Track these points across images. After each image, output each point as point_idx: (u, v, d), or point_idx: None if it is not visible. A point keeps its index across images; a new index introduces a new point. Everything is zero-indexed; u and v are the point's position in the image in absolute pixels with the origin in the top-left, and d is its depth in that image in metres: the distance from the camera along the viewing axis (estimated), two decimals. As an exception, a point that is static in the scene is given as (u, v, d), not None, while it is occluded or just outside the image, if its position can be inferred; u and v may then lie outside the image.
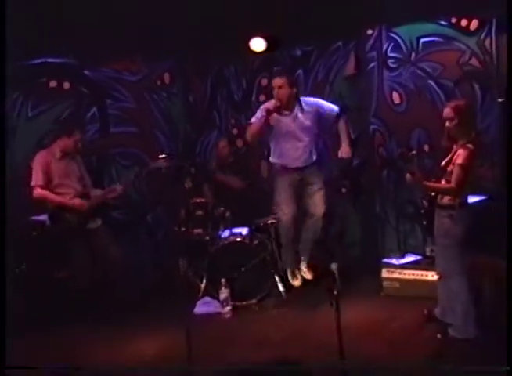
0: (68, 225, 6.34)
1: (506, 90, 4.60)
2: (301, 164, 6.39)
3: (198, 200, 7.08)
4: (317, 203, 6.44)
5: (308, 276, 6.54)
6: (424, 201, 5.45)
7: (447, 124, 5.16)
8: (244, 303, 6.58)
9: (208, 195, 7.29)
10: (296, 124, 6.31)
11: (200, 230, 7.04)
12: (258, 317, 6.35)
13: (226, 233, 6.89)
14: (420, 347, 5.30)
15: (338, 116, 6.39)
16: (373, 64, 7.26)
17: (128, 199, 7.40)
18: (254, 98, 8.11)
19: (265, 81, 8.02)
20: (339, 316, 4.37)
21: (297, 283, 6.59)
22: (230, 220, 6.98)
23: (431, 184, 5.22)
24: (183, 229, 7.06)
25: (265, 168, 7.74)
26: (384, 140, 7.37)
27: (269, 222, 6.84)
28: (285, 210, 6.44)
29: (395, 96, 7.18)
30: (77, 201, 6.41)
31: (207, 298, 6.66)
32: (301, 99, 6.38)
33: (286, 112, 6.31)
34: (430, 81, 6.87)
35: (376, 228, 7.59)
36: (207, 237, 7.01)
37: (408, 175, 5.27)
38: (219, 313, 6.43)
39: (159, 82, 8.06)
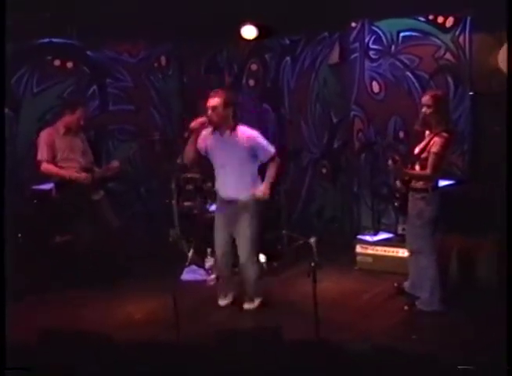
0: (74, 195, 6.33)
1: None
2: (234, 195, 5.60)
3: (189, 175, 7.07)
4: (242, 242, 5.64)
5: (246, 305, 5.77)
6: (398, 184, 5.47)
7: (424, 110, 5.19)
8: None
9: (198, 170, 7.26)
10: (229, 150, 5.50)
11: (189, 203, 7.04)
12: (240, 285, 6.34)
13: (213, 207, 6.86)
14: (389, 317, 5.35)
15: (272, 158, 5.59)
16: (355, 54, 7.22)
17: (125, 172, 7.38)
18: (244, 81, 8.07)
19: (254, 67, 8.00)
20: (315, 286, 4.40)
21: (222, 303, 5.89)
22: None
23: (410, 171, 5.25)
24: (174, 201, 7.06)
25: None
26: (363, 126, 7.35)
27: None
28: (217, 250, 5.81)
29: (375, 85, 7.15)
30: (83, 175, 6.40)
31: (194, 266, 6.67)
32: (239, 127, 5.56)
33: (220, 136, 5.54)
34: (407, 73, 6.85)
35: (353, 207, 7.61)
36: (196, 210, 7.01)
37: (390, 162, 5.31)
38: (204, 281, 6.45)
39: (156, 64, 8.00)
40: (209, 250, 6.44)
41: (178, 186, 7.09)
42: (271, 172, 5.60)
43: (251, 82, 8.05)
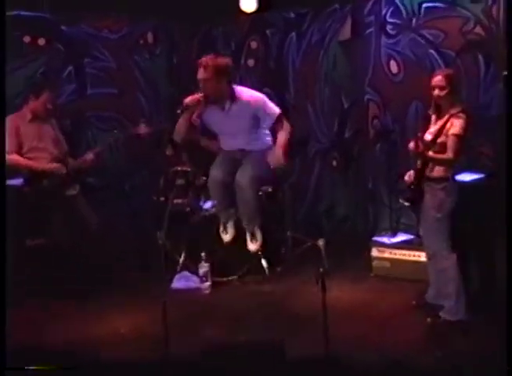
0: (45, 190, 6.30)
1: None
2: (237, 147, 6.05)
3: (179, 169, 7.04)
4: (246, 168, 6.01)
5: (251, 246, 6.25)
6: (413, 173, 5.45)
7: (436, 92, 5.22)
8: (225, 279, 6.58)
9: (190, 163, 7.24)
10: (228, 120, 5.79)
11: (180, 200, 7.01)
12: (239, 294, 6.34)
13: (208, 204, 6.86)
14: (409, 331, 5.32)
15: (278, 120, 5.85)
16: (370, 30, 7.21)
17: (105, 165, 7.35)
18: (242, 61, 8.05)
19: (254, 44, 8.02)
20: (325, 295, 4.36)
21: (226, 237, 6.35)
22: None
23: (432, 154, 5.24)
24: (162, 198, 7.04)
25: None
26: (378, 111, 7.35)
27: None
28: (211, 172, 6.20)
29: (393, 65, 7.14)
30: (55, 165, 6.38)
31: (186, 273, 6.65)
32: (236, 89, 5.78)
33: (216, 107, 5.78)
34: (430, 50, 6.82)
35: (368, 204, 7.62)
36: (188, 208, 7.00)
37: (412, 144, 5.31)
38: (198, 289, 6.43)
39: (141, 41, 7.99)
40: (203, 254, 6.42)
41: (167, 180, 7.06)
42: (280, 137, 5.78)
43: (251, 62, 8.06)
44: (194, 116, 5.74)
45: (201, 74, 5.52)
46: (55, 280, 6.20)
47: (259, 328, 5.52)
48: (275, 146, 5.78)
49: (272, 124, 5.76)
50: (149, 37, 8.04)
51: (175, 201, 7.03)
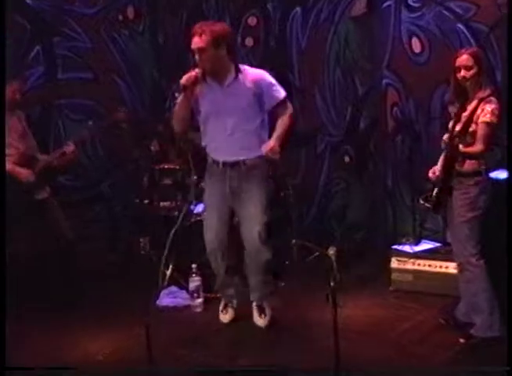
0: (11, 195, 6.25)
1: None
2: (231, 156, 5.76)
3: (166, 166, 7.09)
4: (252, 215, 5.78)
5: (259, 322, 5.99)
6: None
7: (462, 73, 5.24)
8: (219, 295, 6.56)
9: (179, 160, 7.24)
10: (228, 99, 5.69)
11: (167, 203, 7.04)
12: (236, 312, 6.26)
13: (200, 208, 6.83)
14: (436, 354, 5.31)
15: (280, 104, 5.78)
16: (388, 2, 7.21)
17: (79, 162, 7.35)
18: (239, 40, 8.05)
19: (253, 21, 8.02)
20: (336, 313, 4.35)
21: (225, 318, 6.16)
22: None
23: (467, 149, 5.22)
24: (146, 201, 7.04)
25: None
26: (399, 98, 7.35)
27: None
28: (206, 234, 5.91)
29: (415, 43, 7.13)
30: (23, 171, 6.37)
31: (174, 288, 6.66)
32: (243, 69, 5.77)
33: (215, 83, 5.70)
34: (459, 25, 6.81)
35: (386, 206, 7.61)
36: (176, 212, 7.00)
37: (446, 138, 5.32)
38: (188, 306, 6.42)
39: (121, 17, 8.00)
40: (194, 266, 6.41)
41: (151, 180, 7.08)
42: (280, 124, 5.74)
43: (249, 41, 8.08)
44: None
45: (196, 42, 5.53)
46: (21, 297, 6.17)
47: (261, 351, 5.52)
48: (273, 134, 5.72)
49: (273, 107, 5.75)
50: (130, 11, 8.07)
51: (161, 204, 7.08)
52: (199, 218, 6.70)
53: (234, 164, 5.74)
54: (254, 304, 5.98)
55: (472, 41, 6.72)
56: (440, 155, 5.51)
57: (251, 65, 6.77)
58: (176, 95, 5.71)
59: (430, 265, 6.51)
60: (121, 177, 7.85)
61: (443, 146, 5.46)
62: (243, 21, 8.07)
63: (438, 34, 6.96)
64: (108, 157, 7.82)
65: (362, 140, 7.70)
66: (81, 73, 7.80)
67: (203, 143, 5.91)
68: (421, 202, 5.64)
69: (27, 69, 7.32)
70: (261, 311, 5.92)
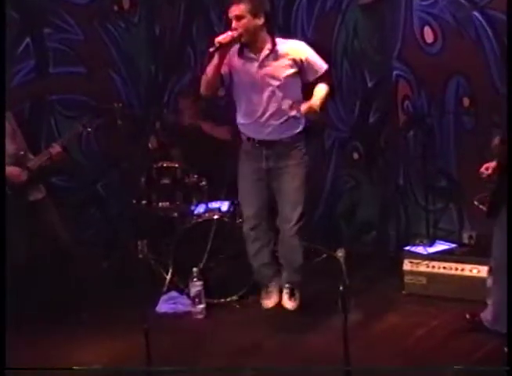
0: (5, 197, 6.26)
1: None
2: (270, 135, 5.99)
3: (165, 165, 7.06)
4: (290, 200, 6.07)
5: (288, 305, 6.28)
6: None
7: None
8: (222, 300, 6.57)
9: (178, 158, 7.24)
10: (264, 71, 5.90)
11: (166, 204, 7.03)
12: (240, 319, 6.33)
13: (201, 209, 6.88)
14: (453, 361, 5.28)
15: (325, 73, 6.00)
16: (399, -11, 7.22)
17: (73, 162, 7.34)
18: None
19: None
20: (346, 318, 4.33)
21: (269, 303, 6.37)
22: (206, 191, 6.95)
23: None
24: (144, 201, 7.04)
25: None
26: (410, 91, 7.35)
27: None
28: (244, 212, 6.23)
29: (428, 33, 7.11)
30: (14, 171, 6.35)
31: (174, 293, 6.67)
32: (279, 40, 5.99)
33: (252, 55, 5.92)
34: (475, 13, 6.78)
35: (398, 205, 7.61)
36: (175, 213, 7.03)
37: (497, 140, 5.29)
38: (189, 313, 6.42)
39: (115, 8, 7.98)
40: (195, 270, 6.40)
41: (149, 179, 7.07)
42: (320, 88, 5.90)
43: (251, 31, 8.02)
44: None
45: (234, 10, 5.78)
46: (13, 304, 6.16)
47: (266, 361, 5.50)
48: (313, 97, 5.84)
49: (314, 80, 5.93)
50: (125, 1, 8.03)
51: (160, 205, 7.05)
52: (200, 220, 6.73)
53: (271, 143, 5.95)
54: (286, 287, 6.18)
55: (488, 29, 6.70)
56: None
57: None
58: (210, 50, 5.77)
59: (444, 268, 6.50)
60: (117, 176, 7.83)
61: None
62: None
63: (452, 22, 6.94)
64: (103, 156, 7.80)
65: (372, 136, 7.70)
66: (74, 67, 7.75)
67: (237, 121, 6.13)
68: (476, 203, 5.60)
69: (17, 63, 7.29)
70: (292, 294, 6.14)
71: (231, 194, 6.88)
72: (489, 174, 5.33)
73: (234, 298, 6.59)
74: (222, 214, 6.77)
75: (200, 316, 6.36)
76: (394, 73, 7.40)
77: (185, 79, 8.27)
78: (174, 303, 6.58)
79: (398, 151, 7.54)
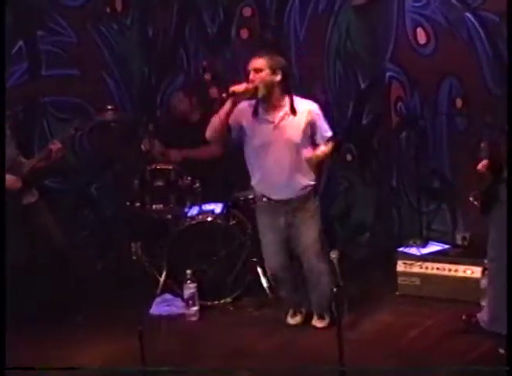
0: None
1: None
2: (286, 195, 5.96)
3: (158, 167, 7.05)
4: (309, 242, 6.01)
5: (319, 324, 6.16)
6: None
7: None
8: (216, 302, 6.59)
9: (171, 160, 7.24)
10: (280, 134, 5.85)
11: (159, 206, 7.02)
12: (234, 321, 6.34)
13: (194, 211, 6.88)
14: (446, 362, 5.29)
15: (332, 137, 6.00)
16: (391, -10, 7.23)
17: (67, 164, 7.33)
18: (233, 33, 8.04)
19: (248, 11, 7.98)
20: (340, 320, 4.35)
21: (292, 321, 6.28)
22: (200, 193, 6.92)
23: None
24: (138, 203, 7.04)
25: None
26: (403, 92, 7.37)
27: (251, 196, 6.80)
28: (269, 262, 6.17)
29: (420, 34, 7.14)
30: (8, 177, 6.30)
31: (168, 295, 6.68)
32: (294, 100, 5.92)
33: (267, 116, 5.85)
34: (467, 14, 6.80)
35: (391, 207, 7.63)
36: (169, 215, 7.01)
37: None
38: (183, 315, 6.43)
39: (108, 9, 7.96)
40: (189, 272, 6.41)
41: (143, 181, 7.06)
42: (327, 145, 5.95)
43: (244, 33, 8.04)
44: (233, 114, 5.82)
45: (253, 63, 5.80)
46: (13, 304, 6.16)
47: (260, 363, 5.50)
48: (319, 148, 5.91)
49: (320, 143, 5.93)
50: (118, 3, 8.01)
51: (154, 207, 7.04)
52: (193, 222, 6.74)
53: (287, 201, 5.92)
54: (315, 312, 6.13)
55: (481, 31, 6.72)
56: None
57: (246, 58, 6.81)
58: (223, 95, 5.77)
59: (438, 269, 6.52)
60: (111, 178, 7.81)
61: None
62: (238, 12, 8.02)
63: (445, 23, 6.96)
64: (97, 158, 7.79)
65: (365, 137, 7.72)
66: (66, 69, 7.72)
67: (251, 182, 6.06)
68: (471, 199, 5.58)
69: (10, 66, 7.28)
70: (321, 317, 6.05)
71: (224, 196, 6.92)
72: (484, 171, 5.33)
73: (228, 300, 6.61)
74: (216, 216, 6.77)
75: (194, 318, 6.37)
76: (387, 74, 7.43)
77: (178, 81, 8.27)
78: (168, 305, 6.58)
79: (391, 152, 7.55)
